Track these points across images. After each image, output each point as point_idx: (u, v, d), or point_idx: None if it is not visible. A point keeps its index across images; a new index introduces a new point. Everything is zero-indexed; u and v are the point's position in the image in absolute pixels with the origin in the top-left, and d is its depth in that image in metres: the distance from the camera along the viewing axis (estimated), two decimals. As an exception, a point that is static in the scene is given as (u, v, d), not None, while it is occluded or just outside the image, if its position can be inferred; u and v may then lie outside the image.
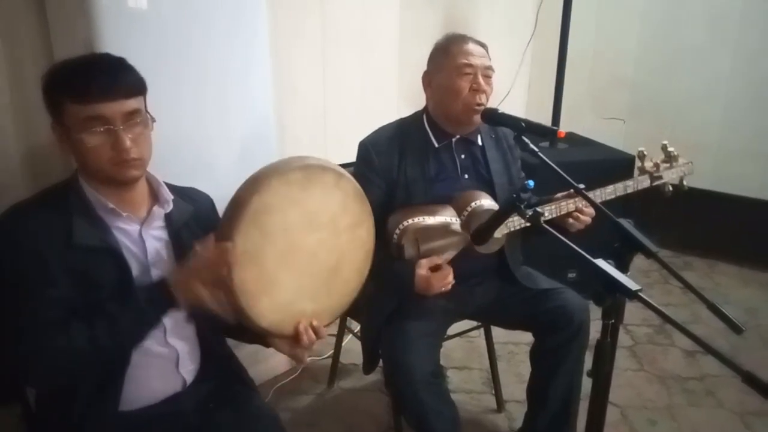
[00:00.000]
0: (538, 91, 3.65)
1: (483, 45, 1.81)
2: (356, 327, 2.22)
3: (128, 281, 1.24)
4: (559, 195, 1.76)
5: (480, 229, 1.39)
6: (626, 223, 1.20)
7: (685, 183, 1.93)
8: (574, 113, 3.31)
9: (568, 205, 1.75)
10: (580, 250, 1.15)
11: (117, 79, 1.19)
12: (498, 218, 1.36)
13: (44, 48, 1.78)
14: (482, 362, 2.49)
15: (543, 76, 3.43)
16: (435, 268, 1.67)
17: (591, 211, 1.76)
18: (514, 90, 3.36)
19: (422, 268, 1.65)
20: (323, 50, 2.59)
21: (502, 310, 1.91)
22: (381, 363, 1.80)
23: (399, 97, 2.91)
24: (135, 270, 1.26)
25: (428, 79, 1.85)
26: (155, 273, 1.28)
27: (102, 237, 1.22)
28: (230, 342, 1.52)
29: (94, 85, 1.17)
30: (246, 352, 1.48)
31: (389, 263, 1.68)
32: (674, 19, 3.47)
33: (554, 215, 1.74)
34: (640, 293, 1.05)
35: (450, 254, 1.72)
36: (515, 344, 2.63)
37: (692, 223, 3.48)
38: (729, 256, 3.52)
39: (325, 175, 1.37)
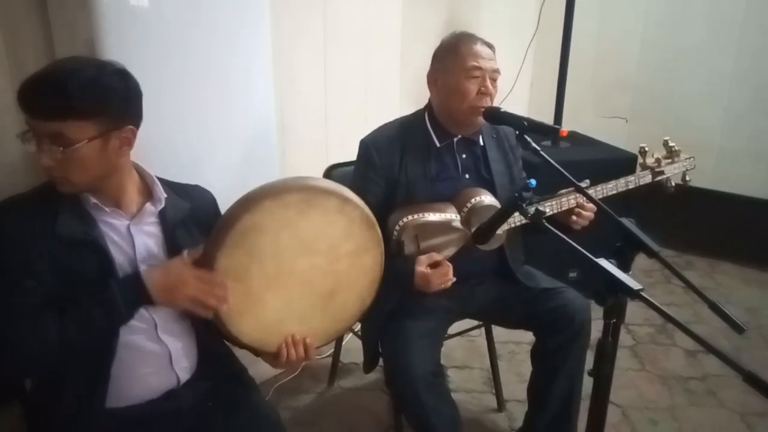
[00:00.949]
0: (540, 90, 3.64)
1: (491, 46, 1.79)
2: (356, 326, 2.21)
3: (110, 275, 1.24)
4: (561, 192, 1.76)
5: (481, 228, 1.39)
6: (628, 222, 1.20)
7: (688, 179, 1.92)
8: (576, 112, 3.31)
9: (569, 201, 1.75)
10: (582, 250, 1.15)
11: (40, 98, 1.15)
12: (500, 217, 1.35)
13: (46, 48, 1.78)
14: (483, 362, 2.49)
15: (545, 75, 3.42)
16: (434, 265, 1.67)
17: (592, 206, 1.76)
18: (516, 89, 3.36)
19: (421, 265, 1.65)
20: (325, 49, 2.59)
21: (503, 310, 1.90)
22: (381, 362, 1.80)
23: (401, 97, 2.90)
24: (122, 265, 1.26)
25: (434, 78, 1.83)
26: (143, 269, 1.27)
27: (86, 230, 1.23)
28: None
29: (19, 96, 1.16)
30: (246, 351, 1.48)
31: (389, 260, 1.68)
32: (676, 19, 3.46)
33: (555, 211, 1.74)
34: (642, 293, 1.05)
35: (450, 251, 1.71)
36: (516, 344, 2.62)
37: (694, 223, 3.48)
38: (730, 255, 3.51)
39: (327, 199, 1.33)
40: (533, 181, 1.31)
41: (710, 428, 2.20)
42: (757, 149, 3.36)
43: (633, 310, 2.72)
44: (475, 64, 1.73)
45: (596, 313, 1.60)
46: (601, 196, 1.80)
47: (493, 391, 2.30)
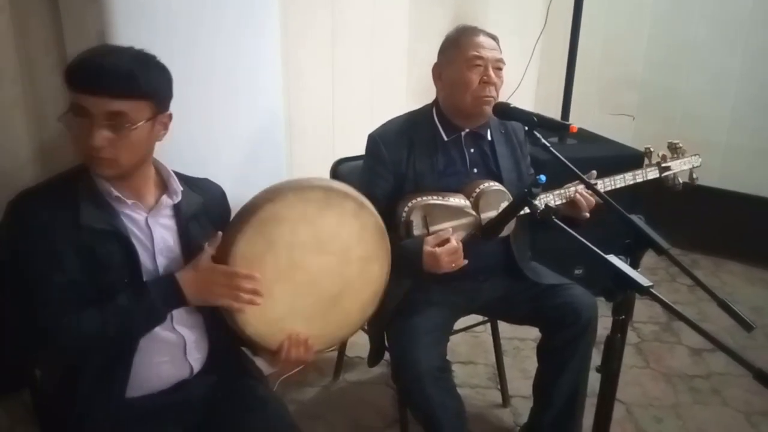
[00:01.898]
0: (547, 86, 3.63)
1: (494, 37, 1.80)
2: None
3: (135, 265, 1.25)
4: (568, 185, 1.77)
5: (491, 223, 1.39)
6: (638, 219, 1.20)
7: (695, 176, 1.92)
8: (582, 109, 3.30)
9: (576, 191, 1.75)
10: (591, 246, 1.15)
11: (110, 76, 1.16)
12: (510, 212, 1.36)
13: (56, 41, 1.79)
14: (488, 357, 2.49)
15: (552, 72, 3.42)
16: (442, 244, 1.64)
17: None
18: (524, 85, 3.35)
19: (429, 245, 1.63)
20: (332, 45, 2.59)
21: (510, 306, 1.91)
22: (386, 356, 1.81)
23: (407, 93, 2.90)
24: (142, 257, 1.27)
25: (438, 72, 1.84)
26: (160, 260, 1.30)
27: (109, 221, 1.24)
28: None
29: (82, 75, 1.17)
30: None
31: (397, 246, 1.64)
32: (683, 17, 3.45)
33: (561, 200, 1.74)
34: (651, 289, 1.05)
35: (459, 235, 1.70)
36: (521, 340, 2.63)
37: (699, 221, 3.47)
38: (736, 254, 3.50)
39: (345, 201, 1.36)
40: (543, 177, 1.31)
41: (714, 426, 2.20)
42: (764, 147, 3.35)
43: (638, 308, 2.73)
44: (476, 53, 1.73)
45: (602, 310, 1.60)
46: (608, 189, 1.81)
47: (498, 387, 2.30)
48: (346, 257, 1.39)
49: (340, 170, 2.07)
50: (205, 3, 1.77)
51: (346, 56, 2.65)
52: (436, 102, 1.88)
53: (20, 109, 1.78)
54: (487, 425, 2.19)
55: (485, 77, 1.73)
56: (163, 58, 1.27)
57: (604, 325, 1.21)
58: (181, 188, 1.35)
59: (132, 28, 1.60)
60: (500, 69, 1.77)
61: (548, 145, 1.45)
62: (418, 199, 1.71)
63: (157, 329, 1.29)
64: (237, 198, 1.39)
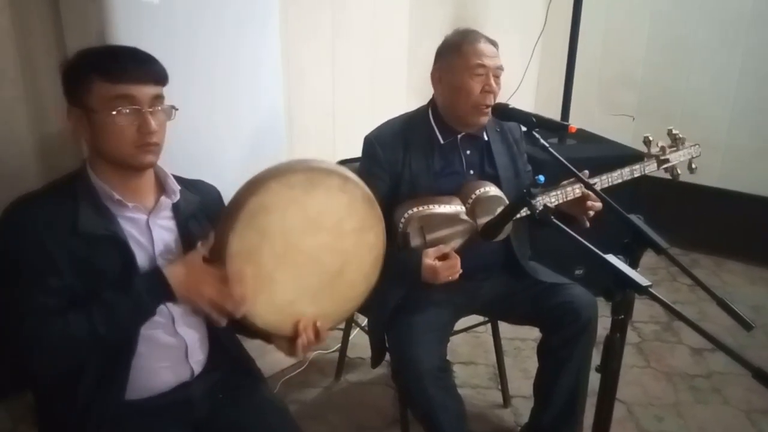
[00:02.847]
0: (547, 87, 3.64)
1: (494, 43, 1.79)
2: (363, 321, 2.22)
3: (132, 270, 1.25)
4: (564, 183, 1.77)
5: (490, 224, 1.39)
6: (636, 219, 1.20)
7: (694, 166, 1.91)
8: (582, 109, 3.30)
9: (574, 191, 1.75)
10: (590, 246, 1.15)
11: (150, 64, 1.24)
12: (508, 213, 1.36)
13: (57, 40, 1.79)
14: (488, 357, 2.49)
15: (552, 72, 3.42)
16: (442, 257, 1.67)
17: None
18: (524, 86, 3.36)
19: (429, 257, 1.66)
20: (333, 45, 2.59)
21: (510, 306, 1.91)
22: (388, 357, 1.81)
23: (408, 93, 2.91)
24: (141, 259, 1.27)
25: (438, 76, 1.83)
26: (161, 263, 1.29)
27: (107, 226, 1.23)
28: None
29: (130, 65, 1.21)
30: (253, 344, 1.49)
31: (395, 253, 1.68)
32: (683, 17, 3.45)
33: (560, 200, 1.74)
34: (650, 288, 1.06)
35: (456, 243, 1.72)
36: (522, 340, 2.63)
37: (700, 221, 3.47)
38: (736, 254, 3.51)
39: (329, 178, 1.36)
40: (541, 177, 1.31)
41: (715, 425, 2.20)
42: (764, 147, 3.35)
43: (639, 307, 2.72)
44: (479, 62, 1.73)
45: (602, 309, 1.60)
46: (606, 186, 1.81)
47: (499, 387, 2.31)
48: (340, 231, 1.38)
49: (340, 171, 2.07)
50: (206, 3, 1.78)
51: (347, 55, 2.65)
52: (432, 104, 1.87)
53: (22, 108, 1.79)
54: (488, 425, 2.19)
55: (487, 86, 1.73)
56: (164, 58, 1.28)
57: (604, 325, 1.21)
58: (179, 187, 1.35)
59: (133, 27, 1.60)
60: (499, 76, 1.77)
61: (547, 145, 1.45)
62: (414, 209, 1.71)
63: (159, 334, 1.29)
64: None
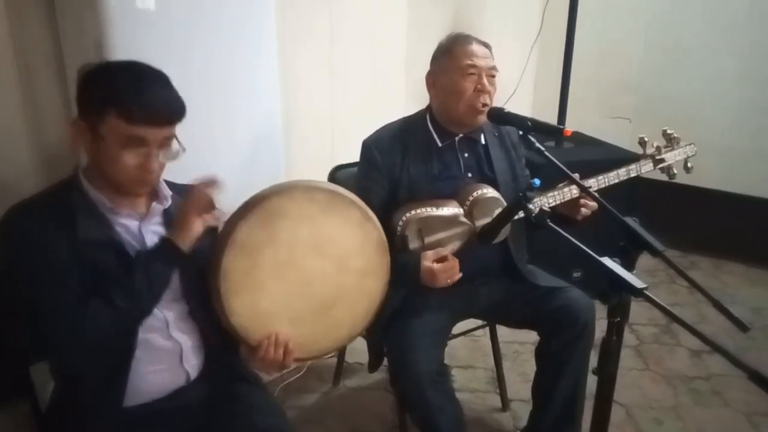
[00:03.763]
0: (543, 90, 3.64)
1: (487, 45, 1.81)
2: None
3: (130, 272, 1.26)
4: (560, 185, 1.77)
5: (486, 228, 1.39)
6: (632, 221, 1.20)
7: (690, 165, 1.91)
8: (579, 113, 3.31)
9: (571, 191, 1.76)
10: (585, 249, 1.15)
11: (169, 104, 1.23)
12: (504, 217, 1.36)
13: (54, 49, 1.79)
14: (487, 361, 2.49)
15: (549, 76, 3.43)
16: (441, 260, 1.67)
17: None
18: (520, 89, 3.36)
19: (428, 260, 1.66)
20: (330, 49, 2.60)
21: (508, 310, 1.91)
22: (386, 361, 1.81)
23: (406, 97, 2.91)
24: None
25: (432, 80, 1.85)
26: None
27: (106, 232, 1.25)
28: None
29: (149, 109, 1.19)
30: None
31: (394, 256, 1.68)
32: (679, 19, 3.46)
33: (557, 202, 1.75)
34: (645, 291, 1.06)
35: (455, 245, 1.72)
36: (520, 343, 2.63)
37: (698, 223, 3.47)
38: (735, 255, 3.51)
39: (351, 210, 1.37)
40: (537, 181, 1.32)
41: (715, 428, 2.20)
42: (762, 149, 3.35)
43: (637, 310, 2.72)
44: (470, 62, 1.74)
45: (600, 312, 1.60)
46: (603, 186, 1.81)
47: (498, 391, 2.30)
48: (343, 265, 1.39)
49: (338, 176, 2.07)
50: (203, 9, 1.78)
51: (345, 59, 2.65)
52: (429, 108, 1.88)
53: (20, 118, 1.79)
54: (487, 429, 2.19)
55: (479, 86, 1.74)
56: (161, 65, 1.28)
57: (602, 328, 1.21)
58: (171, 193, 1.36)
59: (129, 34, 1.61)
60: (493, 77, 1.78)
61: (542, 149, 1.46)
62: (412, 212, 1.72)
63: (154, 337, 1.30)
64: (234, 202, 1.39)
